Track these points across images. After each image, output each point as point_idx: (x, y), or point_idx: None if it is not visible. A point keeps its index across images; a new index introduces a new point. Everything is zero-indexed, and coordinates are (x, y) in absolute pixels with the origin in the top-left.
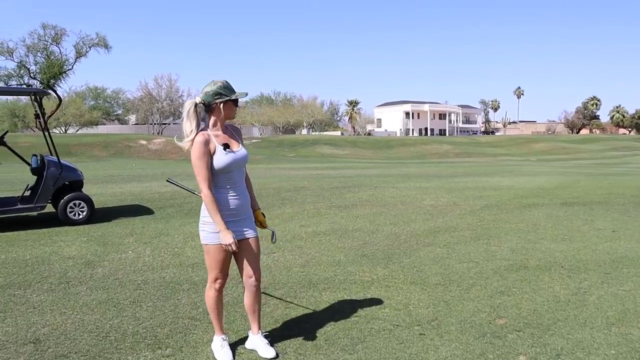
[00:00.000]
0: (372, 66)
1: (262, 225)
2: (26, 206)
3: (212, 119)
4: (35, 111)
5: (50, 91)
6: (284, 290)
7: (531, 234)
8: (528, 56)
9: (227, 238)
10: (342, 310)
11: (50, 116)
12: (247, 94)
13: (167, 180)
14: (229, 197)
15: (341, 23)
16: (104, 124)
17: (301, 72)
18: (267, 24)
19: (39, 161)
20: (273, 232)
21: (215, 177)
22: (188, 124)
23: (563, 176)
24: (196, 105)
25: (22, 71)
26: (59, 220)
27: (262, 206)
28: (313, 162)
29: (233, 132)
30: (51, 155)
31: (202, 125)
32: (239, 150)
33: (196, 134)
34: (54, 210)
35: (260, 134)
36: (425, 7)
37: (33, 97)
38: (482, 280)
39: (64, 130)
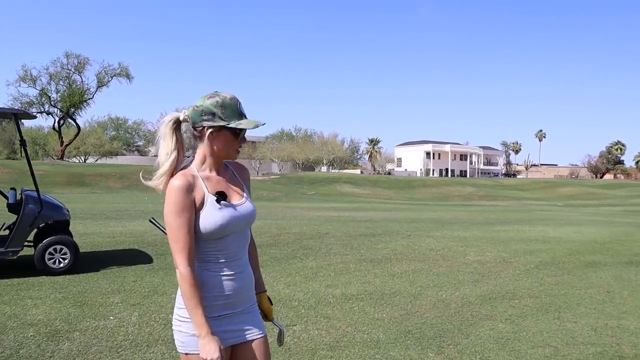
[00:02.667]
0: (393, 105)
1: (265, 316)
2: None
3: (200, 151)
4: (20, 138)
5: (34, 114)
6: None
7: (608, 306)
8: (550, 98)
9: (210, 349)
10: None
11: (68, 145)
12: (259, 125)
13: (150, 220)
14: (223, 278)
15: (363, 61)
16: (124, 155)
17: (322, 109)
18: (289, 60)
19: (17, 196)
20: (280, 331)
21: (202, 245)
22: (163, 149)
23: (611, 227)
24: (178, 121)
25: (43, 99)
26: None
27: (282, 256)
28: (334, 202)
29: (235, 174)
30: (35, 189)
31: (188, 158)
32: (241, 202)
33: (173, 168)
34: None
35: (280, 170)
36: (447, 47)
37: (13, 119)
38: None
39: (83, 159)
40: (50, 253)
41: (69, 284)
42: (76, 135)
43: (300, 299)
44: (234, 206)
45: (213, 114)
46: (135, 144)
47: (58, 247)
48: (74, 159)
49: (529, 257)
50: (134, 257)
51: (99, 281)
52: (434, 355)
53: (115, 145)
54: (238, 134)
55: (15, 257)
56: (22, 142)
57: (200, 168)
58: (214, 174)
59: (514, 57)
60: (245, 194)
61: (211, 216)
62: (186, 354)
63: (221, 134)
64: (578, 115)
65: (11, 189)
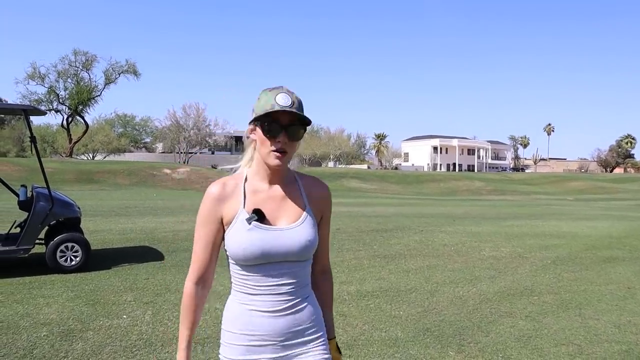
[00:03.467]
0: (400, 99)
1: None
2: (8, 248)
3: (255, 157)
4: (31, 135)
5: (44, 110)
6: None
7: (630, 302)
8: (559, 92)
9: None
10: None
11: (76, 142)
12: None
13: None
14: (255, 314)
15: (370, 56)
16: (132, 152)
17: (329, 104)
18: (296, 53)
19: (27, 193)
20: None
21: (233, 269)
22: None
23: (625, 221)
24: (253, 127)
25: (51, 96)
26: (47, 266)
27: None
28: (342, 197)
29: (302, 190)
30: (46, 185)
31: (240, 166)
32: (290, 227)
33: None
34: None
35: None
36: (454, 41)
37: (24, 115)
38: None
39: (91, 156)
40: (61, 251)
41: (81, 282)
42: (84, 133)
43: None
44: (272, 230)
45: (253, 110)
46: (143, 141)
47: (69, 244)
48: (82, 156)
49: (544, 253)
50: (144, 254)
51: (111, 279)
52: (454, 354)
53: (122, 142)
54: (268, 129)
55: (26, 255)
56: (33, 139)
57: (253, 177)
58: (266, 186)
59: (522, 50)
60: (303, 218)
61: (236, 237)
62: None
63: (257, 132)
64: (587, 109)
65: (22, 186)
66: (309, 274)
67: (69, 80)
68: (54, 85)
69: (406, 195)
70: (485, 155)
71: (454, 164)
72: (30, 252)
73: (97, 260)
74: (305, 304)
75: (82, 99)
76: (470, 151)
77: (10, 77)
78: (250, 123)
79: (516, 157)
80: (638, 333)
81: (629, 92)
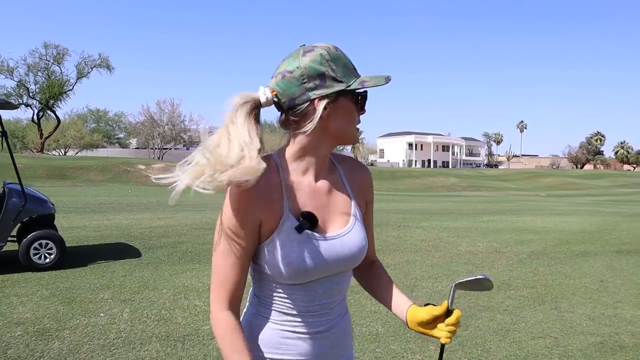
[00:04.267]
0: (374, 96)
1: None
2: None
3: (298, 142)
4: (2, 129)
5: (17, 104)
6: None
7: (603, 295)
8: (531, 90)
9: None
10: None
11: (47, 137)
12: (389, 79)
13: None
14: (294, 337)
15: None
16: (105, 147)
17: None
18: (268, 46)
19: None
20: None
21: (267, 288)
22: (233, 142)
23: (597, 216)
24: (257, 105)
25: (21, 90)
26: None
27: None
28: None
29: (344, 180)
30: (19, 181)
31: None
32: (344, 232)
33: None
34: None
35: None
36: (430, 38)
37: None
38: None
39: (63, 152)
40: (35, 248)
41: (56, 280)
42: (56, 128)
43: None
44: (327, 239)
45: (322, 76)
46: (116, 137)
47: (43, 241)
48: (54, 152)
49: (520, 247)
50: (121, 251)
51: (87, 276)
52: (435, 348)
53: (95, 137)
54: (360, 100)
55: None
56: (4, 134)
57: (290, 167)
58: (309, 179)
59: (497, 48)
60: (353, 217)
61: (284, 252)
62: None
63: (339, 104)
64: (559, 107)
65: None
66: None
67: (40, 74)
68: (23, 79)
69: (382, 191)
70: (460, 152)
71: (429, 160)
72: (2, 250)
73: (72, 257)
74: (345, 321)
75: (54, 93)
76: (445, 147)
77: None
78: (327, 92)
79: (490, 154)
80: (611, 325)
81: (599, 90)
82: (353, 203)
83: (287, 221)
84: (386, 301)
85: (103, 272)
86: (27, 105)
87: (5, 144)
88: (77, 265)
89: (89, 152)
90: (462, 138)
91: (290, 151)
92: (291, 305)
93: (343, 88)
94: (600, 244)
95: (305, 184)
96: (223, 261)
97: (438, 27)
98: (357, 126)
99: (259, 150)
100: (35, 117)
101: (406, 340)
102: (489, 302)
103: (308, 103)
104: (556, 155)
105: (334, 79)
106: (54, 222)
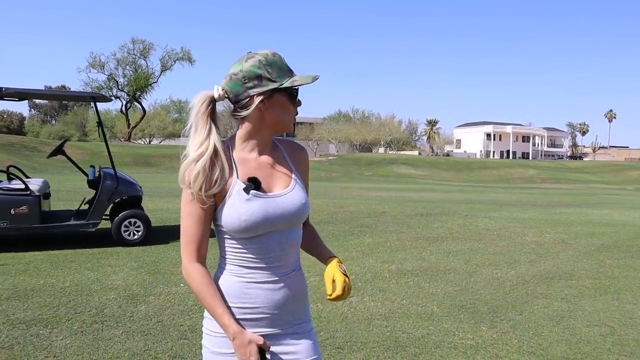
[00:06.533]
0: (453, 85)
1: (341, 290)
2: (79, 222)
3: (244, 127)
4: (98, 120)
5: (110, 97)
6: (364, 354)
7: None
8: (621, 76)
9: (246, 351)
10: None
11: (134, 127)
12: (317, 78)
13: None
14: (256, 287)
15: (420, 45)
16: (187, 137)
17: (380, 90)
18: (349, 41)
19: (95, 173)
20: None
21: (228, 244)
22: (195, 137)
23: None
24: (213, 100)
25: (111, 83)
26: (113, 239)
27: (339, 233)
28: (390, 183)
29: (286, 156)
30: (112, 166)
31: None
32: (284, 193)
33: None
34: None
35: (337, 151)
36: (510, 25)
37: (92, 102)
38: (626, 356)
39: (148, 141)
40: (125, 226)
41: (143, 254)
42: (142, 118)
43: (357, 273)
44: (270, 197)
45: (259, 77)
46: None
47: (132, 220)
48: (140, 141)
49: (590, 240)
50: None
51: (169, 252)
52: (486, 329)
53: (177, 127)
54: (294, 95)
55: (94, 229)
56: (100, 124)
57: (238, 147)
58: (254, 155)
59: (583, 33)
60: (294, 182)
61: (235, 209)
62: None
63: (274, 99)
64: None
65: (91, 166)
66: (301, 241)
67: (128, 67)
68: (113, 72)
69: (456, 182)
70: (541, 143)
71: (508, 151)
72: (97, 227)
73: (157, 235)
74: (299, 272)
75: (140, 85)
76: (525, 138)
77: (73, 66)
78: (262, 89)
79: (574, 145)
80: None
81: None
82: (294, 172)
83: (236, 185)
84: (314, 254)
85: None
86: (116, 97)
87: (100, 133)
88: (160, 242)
89: (171, 141)
90: (544, 128)
91: (238, 135)
92: (249, 258)
93: (276, 86)
94: None
95: (252, 159)
96: (188, 222)
97: (518, 8)
98: (295, 117)
99: (202, 150)
100: (123, 108)
101: (459, 320)
102: (548, 291)
103: (248, 99)
104: None
105: (269, 80)
106: (141, 204)
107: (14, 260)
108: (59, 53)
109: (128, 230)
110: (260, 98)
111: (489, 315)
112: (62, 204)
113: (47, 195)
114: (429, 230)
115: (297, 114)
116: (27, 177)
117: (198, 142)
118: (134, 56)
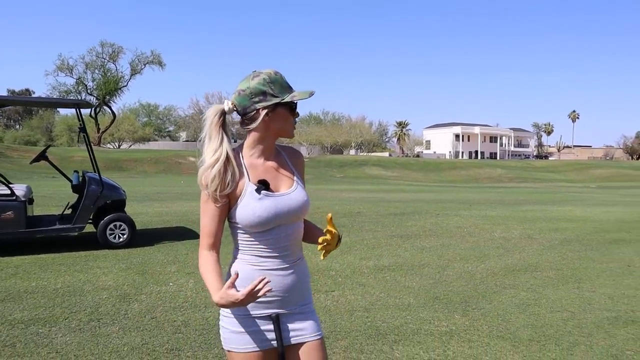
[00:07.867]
0: (421, 87)
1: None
2: (64, 226)
3: (251, 136)
4: (80, 125)
5: (92, 103)
6: (348, 342)
7: (627, 278)
8: (584, 77)
9: (230, 296)
10: None
11: (104, 131)
12: (313, 93)
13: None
14: (267, 273)
15: (389, 46)
16: (156, 140)
17: (350, 93)
18: (317, 47)
19: (80, 178)
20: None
21: (243, 237)
22: (209, 145)
23: None
24: (224, 113)
25: (80, 87)
26: (98, 242)
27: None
28: (363, 184)
29: (287, 160)
30: (94, 171)
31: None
32: (289, 192)
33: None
34: (95, 231)
35: (308, 154)
36: (474, 27)
37: (76, 108)
38: (584, 337)
39: (117, 145)
40: (110, 229)
41: (130, 256)
42: (112, 122)
43: (337, 269)
44: (278, 196)
45: (264, 93)
46: (167, 130)
47: (117, 223)
48: (109, 145)
49: (553, 234)
50: (182, 233)
51: (155, 254)
52: (459, 317)
53: (147, 131)
54: (294, 108)
55: (77, 234)
56: (83, 129)
57: (247, 154)
58: (261, 160)
59: (546, 33)
60: (296, 183)
61: (250, 207)
62: (228, 351)
63: (277, 112)
64: (613, 95)
65: (74, 171)
66: (303, 233)
67: (97, 71)
68: (82, 76)
69: (427, 182)
70: (508, 143)
71: (476, 152)
72: (82, 230)
73: (141, 238)
74: (303, 260)
75: (109, 89)
76: (493, 139)
77: (40, 70)
78: (266, 103)
79: (540, 145)
80: (629, 303)
81: None
82: (295, 174)
83: (249, 187)
84: (311, 241)
85: (168, 250)
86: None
87: (84, 139)
88: (145, 244)
89: (141, 145)
90: (511, 129)
91: (247, 143)
92: (262, 248)
93: (278, 101)
94: (637, 233)
95: (260, 164)
96: (205, 218)
97: (484, 8)
98: (294, 125)
99: (216, 157)
100: (92, 112)
101: (434, 310)
102: (515, 282)
103: (255, 112)
104: (610, 146)
105: (272, 95)
106: (125, 207)
107: (3, 265)
108: (22, 57)
109: (114, 233)
110: (265, 111)
111: (462, 304)
112: (39, 210)
113: (31, 201)
114: (402, 228)
115: (296, 122)
116: (10, 182)
117: (212, 149)
118: (103, 60)
